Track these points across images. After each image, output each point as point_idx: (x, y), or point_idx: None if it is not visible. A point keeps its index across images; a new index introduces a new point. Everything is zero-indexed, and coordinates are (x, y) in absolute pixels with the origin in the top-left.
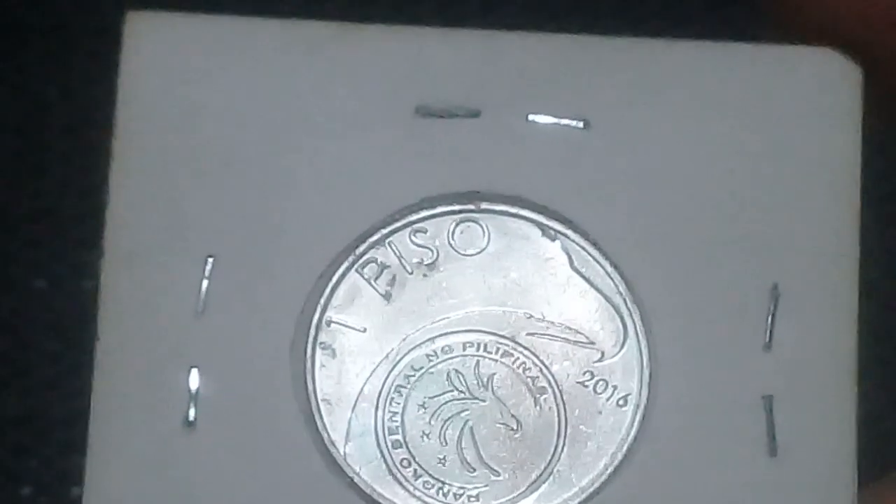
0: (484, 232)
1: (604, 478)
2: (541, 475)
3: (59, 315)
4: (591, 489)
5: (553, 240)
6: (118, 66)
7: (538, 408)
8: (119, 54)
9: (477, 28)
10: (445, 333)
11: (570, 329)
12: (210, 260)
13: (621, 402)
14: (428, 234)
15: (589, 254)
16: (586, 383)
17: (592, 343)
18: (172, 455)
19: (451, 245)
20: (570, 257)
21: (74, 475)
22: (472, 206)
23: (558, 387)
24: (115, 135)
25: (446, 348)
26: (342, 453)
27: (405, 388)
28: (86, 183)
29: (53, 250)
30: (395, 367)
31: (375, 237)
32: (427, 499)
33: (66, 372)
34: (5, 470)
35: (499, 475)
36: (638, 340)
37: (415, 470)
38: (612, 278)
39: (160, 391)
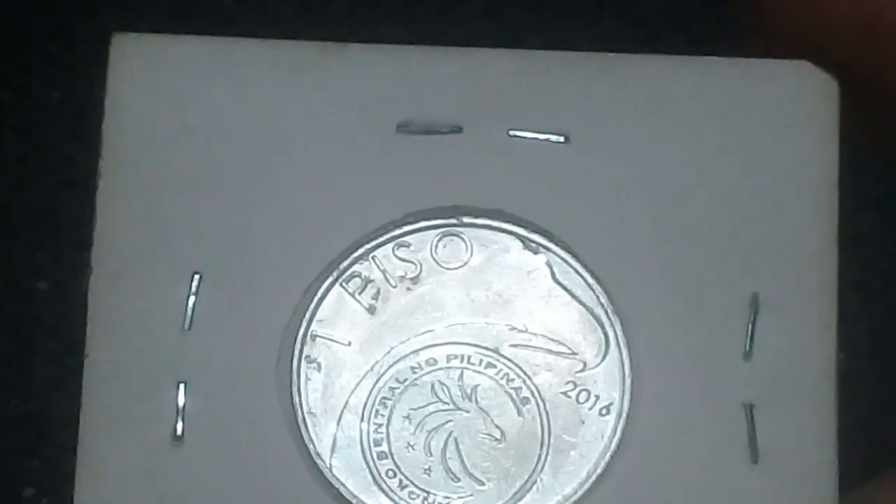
0: (466, 246)
1: (587, 486)
2: (524, 484)
3: (61, 317)
4: (575, 497)
5: (535, 252)
6: (104, 87)
7: (521, 418)
8: (105, 75)
9: (467, 43)
10: (429, 346)
11: (553, 340)
12: (196, 276)
13: (604, 412)
14: (411, 248)
15: (570, 265)
16: (569, 393)
17: (574, 353)
18: (161, 469)
19: (434, 259)
20: (551, 269)
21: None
22: (454, 221)
23: (541, 397)
24: (102, 154)
25: (430, 360)
26: (328, 465)
27: (390, 399)
28: (87, 185)
29: (55, 252)
30: (379, 379)
31: (359, 252)
32: None
33: (67, 373)
34: (7, 471)
35: (483, 485)
36: (619, 350)
37: (400, 480)
38: (593, 289)
39: (148, 406)
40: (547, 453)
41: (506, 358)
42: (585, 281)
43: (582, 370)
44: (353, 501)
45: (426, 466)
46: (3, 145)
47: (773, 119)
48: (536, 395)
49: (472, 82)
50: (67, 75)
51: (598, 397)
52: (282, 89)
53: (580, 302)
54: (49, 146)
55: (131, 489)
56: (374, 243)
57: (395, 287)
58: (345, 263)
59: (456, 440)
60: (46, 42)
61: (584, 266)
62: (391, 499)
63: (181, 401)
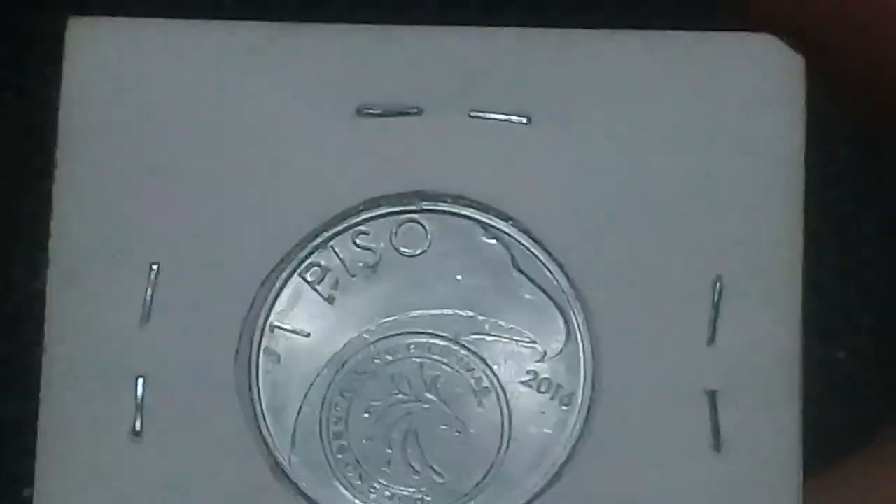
0: (427, 232)
1: (548, 477)
2: (485, 476)
3: None
4: (536, 489)
5: (496, 239)
6: (61, 74)
7: (482, 409)
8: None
9: (437, 24)
10: (389, 336)
11: (514, 329)
12: (154, 268)
13: (565, 401)
14: (370, 235)
15: (531, 252)
16: (530, 383)
17: (535, 342)
18: (120, 465)
19: (393, 246)
20: (512, 256)
21: None
22: (414, 207)
23: (502, 387)
24: (58, 144)
25: (390, 351)
26: (287, 459)
27: (349, 392)
28: None
29: None
30: (339, 371)
31: (317, 241)
32: (373, 503)
33: None
34: (7, 471)
35: (443, 477)
36: (581, 338)
37: (360, 474)
38: (554, 276)
39: (107, 401)
40: (507, 445)
41: (466, 348)
42: (547, 268)
43: (542, 359)
44: (313, 496)
45: (387, 459)
46: (3, 145)
47: (737, 95)
48: (497, 385)
49: (433, 62)
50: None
51: (559, 387)
52: (239, 71)
53: (541, 289)
54: (49, 146)
55: (91, 485)
56: (332, 231)
57: (354, 276)
58: (303, 253)
59: (416, 432)
60: (47, 42)
61: (546, 252)
62: (351, 493)
63: (140, 395)
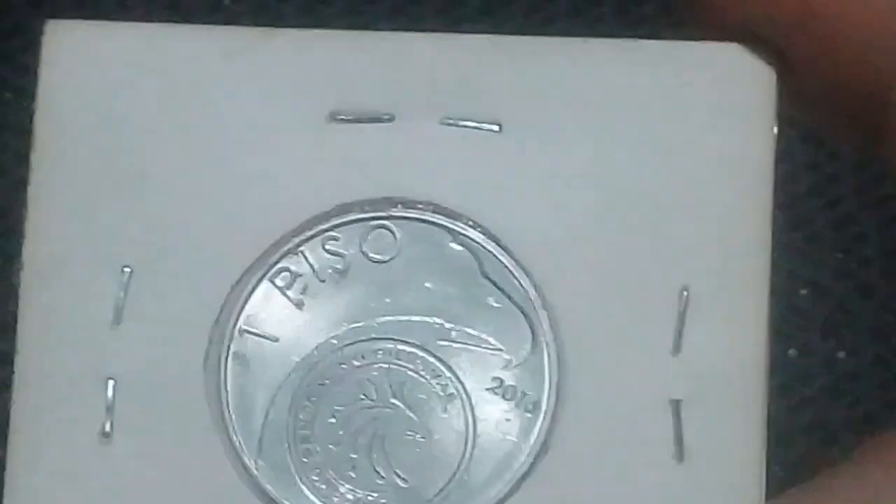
0: (396, 238)
1: (511, 485)
2: (448, 483)
3: None
4: (499, 496)
5: (464, 246)
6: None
7: (447, 415)
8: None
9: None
10: (357, 342)
11: (480, 336)
12: (126, 270)
13: (530, 409)
14: (340, 241)
15: (499, 260)
16: (496, 390)
17: (501, 349)
18: (88, 467)
19: (363, 253)
20: (480, 263)
21: None
22: (384, 213)
23: (467, 394)
24: (34, 146)
25: (357, 356)
26: (254, 463)
27: (316, 397)
28: None
29: None
30: (306, 375)
31: (288, 246)
32: None
33: None
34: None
35: (407, 482)
36: (546, 346)
37: (326, 478)
38: (521, 284)
39: (77, 403)
40: (472, 452)
41: (433, 355)
42: (514, 275)
43: (507, 366)
44: (279, 499)
45: (351, 464)
46: (3, 145)
47: (706, 104)
48: (462, 392)
49: (405, 68)
50: None
51: (524, 394)
52: (213, 76)
53: (508, 297)
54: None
55: (60, 486)
56: (302, 237)
57: (323, 282)
58: (273, 258)
59: (382, 438)
60: None
61: (514, 260)
62: (316, 496)
63: (109, 397)
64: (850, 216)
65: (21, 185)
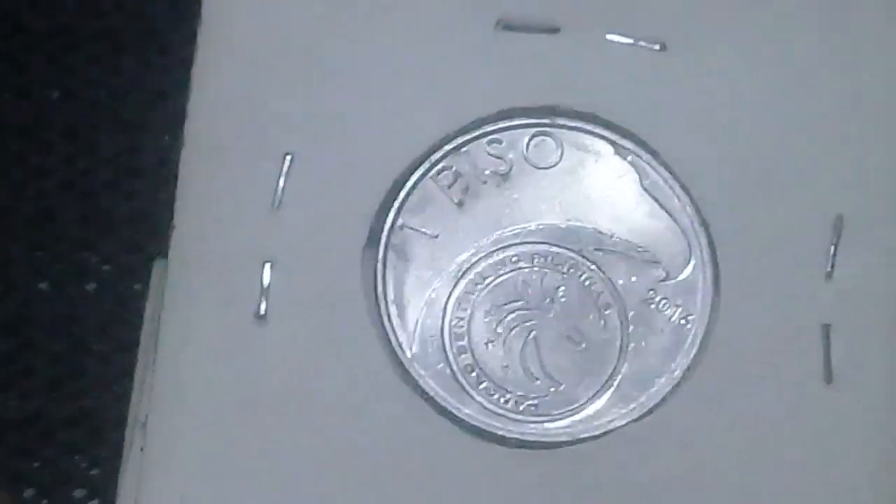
0: (558, 146)
1: (662, 395)
2: (600, 389)
3: (62, 317)
4: (649, 405)
5: (625, 158)
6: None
7: (602, 322)
8: None
9: None
10: (515, 244)
11: (638, 247)
12: (288, 157)
13: (683, 322)
14: (503, 144)
15: (659, 174)
16: (650, 301)
17: (658, 262)
18: (241, 347)
19: (525, 158)
20: (640, 176)
21: (77, 477)
22: (547, 121)
23: (623, 303)
24: (200, 30)
25: (515, 258)
26: (408, 355)
27: (472, 295)
28: (87, 185)
29: (55, 253)
30: (464, 274)
31: (451, 145)
32: (488, 405)
33: (68, 373)
34: (8, 472)
35: (559, 385)
36: (703, 262)
37: (477, 376)
38: (680, 200)
39: (234, 284)
40: (624, 359)
41: (590, 261)
42: (673, 191)
43: (665, 279)
44: (430, 392)
45: (504, 364)
46: (3, 145)
47: (871, 29)
48: (618, 300)
49: None
50: (67, 75)
51: (678, 307)
52: None
53: (667, 211)
54: (49, 146)
55: (212, 363)
56: (466, 137)
57: (485, 183)
58: (436, 156)
59: (535, 340)
60: (47, 42)
61: (673, 175)
62: (468, 393)
63: (266, 280)
64: None
65: (20, 184)
